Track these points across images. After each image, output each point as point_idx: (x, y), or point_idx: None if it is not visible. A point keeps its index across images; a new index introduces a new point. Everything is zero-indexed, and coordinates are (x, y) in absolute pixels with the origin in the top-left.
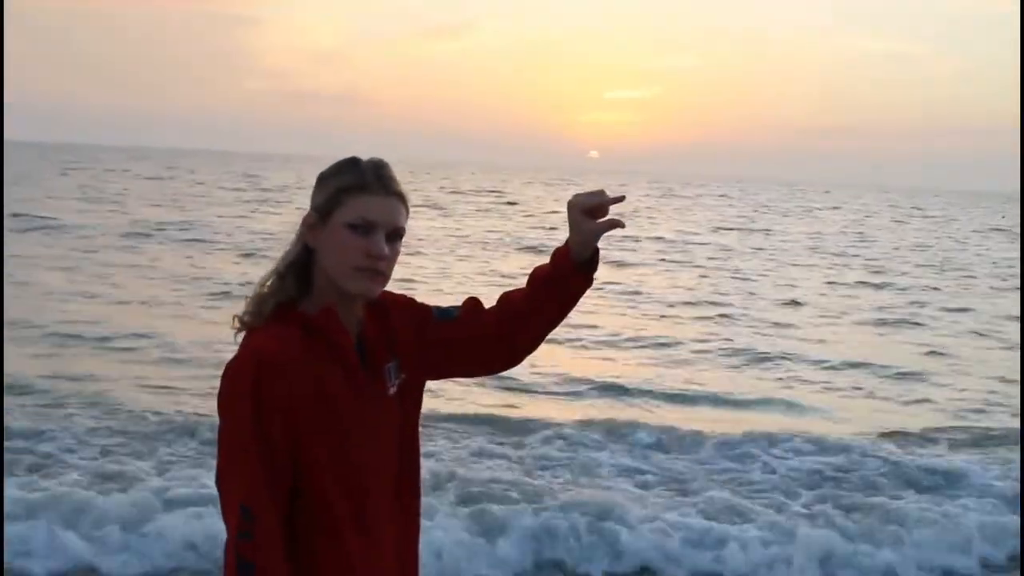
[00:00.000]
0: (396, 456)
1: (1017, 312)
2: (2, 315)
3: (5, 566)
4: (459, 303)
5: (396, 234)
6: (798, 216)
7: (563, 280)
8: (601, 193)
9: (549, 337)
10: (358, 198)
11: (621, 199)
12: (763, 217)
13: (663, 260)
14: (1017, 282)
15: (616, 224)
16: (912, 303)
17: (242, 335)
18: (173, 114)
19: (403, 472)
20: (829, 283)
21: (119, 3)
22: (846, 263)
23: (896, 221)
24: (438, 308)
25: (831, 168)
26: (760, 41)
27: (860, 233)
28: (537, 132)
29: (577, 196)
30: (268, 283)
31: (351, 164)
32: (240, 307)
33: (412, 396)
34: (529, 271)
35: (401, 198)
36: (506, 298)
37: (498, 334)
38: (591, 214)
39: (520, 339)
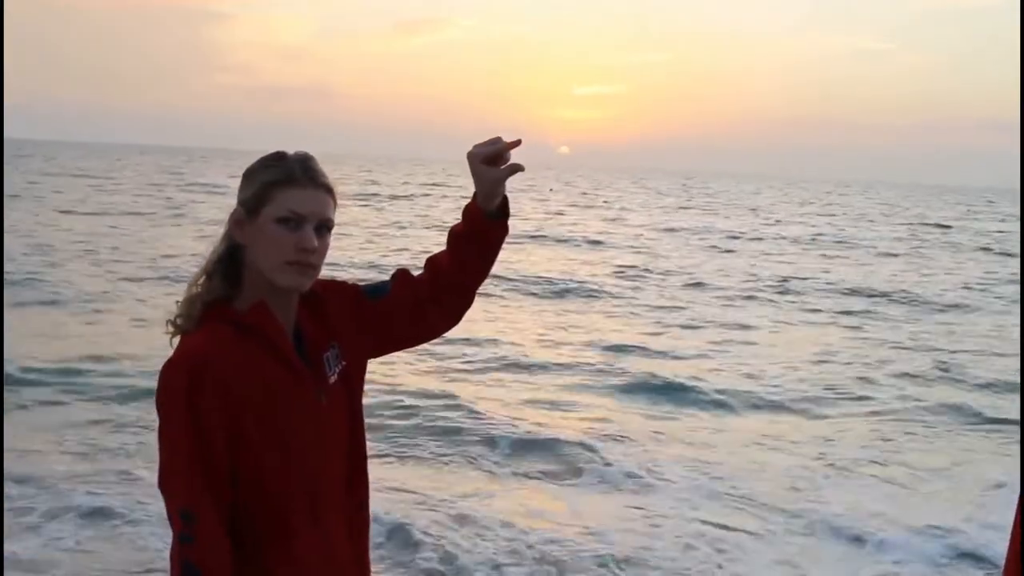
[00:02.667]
0: (345, 444)
1: None
2: (2, 316)
3: None
4: (387, 278)
5: (325, 226)
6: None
7: (478, 233)
8: (498, 140)
9: None
10: (286, 192)
11: (517, 143)
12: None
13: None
14: None
15: (516, 169)
16: None
17: (177, 339)
18: (141, 109)
19: (351, 459)
20: None
21: None
22: None
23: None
24: (368, 286)
25: (803, 162)
26: (729, 38)
27: None
28: (506, 128)
29: (476, 147)
30: (198, 283)
31: (277, 158)
32: (172, 311)
33: (354, 382)
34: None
35: (328, 190)
36: (431, 261)
37: (430, 297)
38: (492, 162)
39: (451, 299)
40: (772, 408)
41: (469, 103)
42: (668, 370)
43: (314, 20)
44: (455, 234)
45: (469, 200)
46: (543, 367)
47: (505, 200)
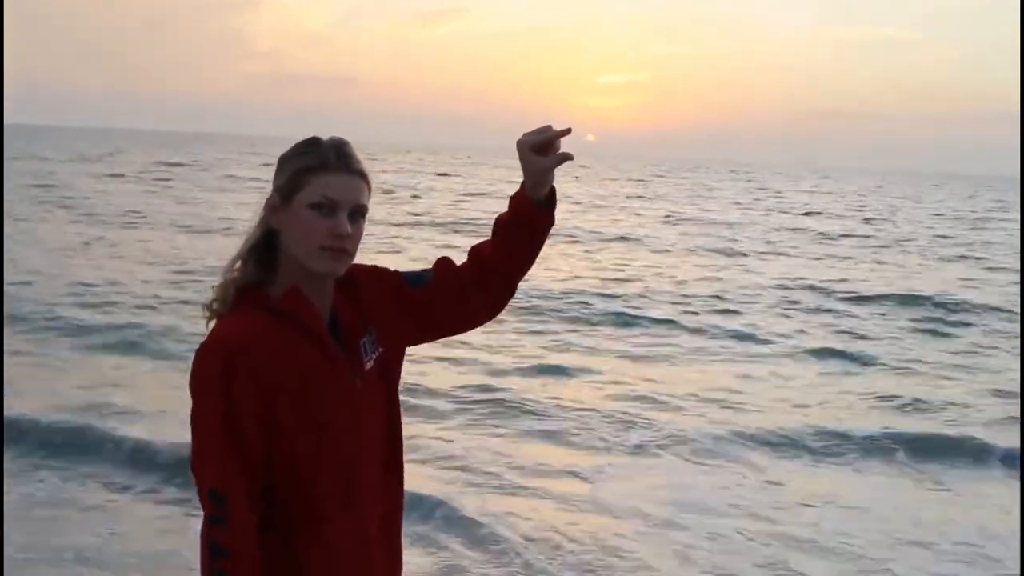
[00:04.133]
0: (382, 429)
1: None
2: (1, 314)
3: None
4: (429, 266)
5: (359, 212)
6: None
7: (525, 222)
8: (547, 129)
9: None
10: (320, 178)
11: (567, 132)
12: None
13: None
14: None
15: (565, 157)
16: None
17: (213, 323)
18: (167, 96)
19: (389, 444)
20: None
21: None
22: None
23: None
24: (409, 274)
25: (824, 151)
26: (751, 28)
27: None
28: (531, 116)
29: (526, 135)
30: (233, 268)
31: (312, 144)
32: (208, 295)
33: (391, 368)
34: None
35: (363, 176)
36: (476, 250)
37: (474, 281)
38: (540, 151)
39: (496, 287)
40: None
41: (492, 91)
42: None
43: (339, 8)
44: (502, 223)
45: (516, 190)
46: None
47: (553, 189)
